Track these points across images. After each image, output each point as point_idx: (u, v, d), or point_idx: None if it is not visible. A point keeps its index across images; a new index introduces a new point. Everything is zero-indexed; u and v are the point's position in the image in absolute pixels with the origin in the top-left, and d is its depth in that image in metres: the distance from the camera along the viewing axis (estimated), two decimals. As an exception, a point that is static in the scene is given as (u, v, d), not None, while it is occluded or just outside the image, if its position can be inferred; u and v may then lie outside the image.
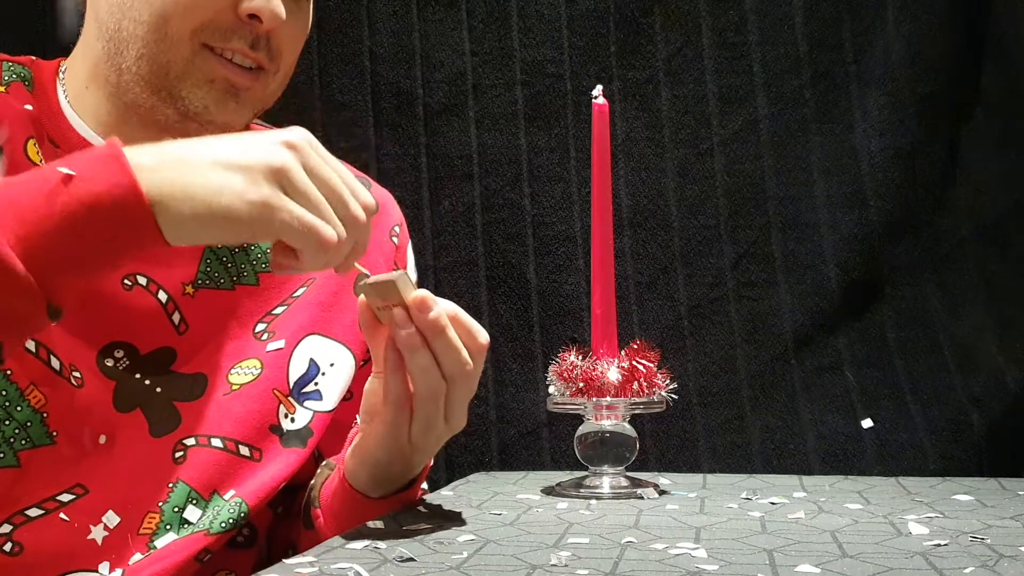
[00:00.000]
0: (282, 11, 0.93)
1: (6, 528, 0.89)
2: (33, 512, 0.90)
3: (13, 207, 0.71)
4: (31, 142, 0.94)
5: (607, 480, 1.07)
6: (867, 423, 1.51)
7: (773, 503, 1.01)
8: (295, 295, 1.03)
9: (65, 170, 0.71)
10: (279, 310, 1.03)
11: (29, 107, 0.95)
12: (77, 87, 0.98)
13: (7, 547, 0.88)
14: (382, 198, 1.11)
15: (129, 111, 0.96)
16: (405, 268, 1.11)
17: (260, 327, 1.02)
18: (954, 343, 1.52)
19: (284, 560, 0.77)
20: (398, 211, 1.14)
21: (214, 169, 0.74)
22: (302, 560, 0.75)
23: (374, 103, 1.58)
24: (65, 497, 0.91)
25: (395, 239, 1.11)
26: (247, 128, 1.01)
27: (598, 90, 1.10)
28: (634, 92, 1.58)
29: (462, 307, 0.89)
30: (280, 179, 0.74)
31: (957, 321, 1.53)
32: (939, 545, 0.80)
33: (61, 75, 1.00)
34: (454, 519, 0.92)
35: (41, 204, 0.71)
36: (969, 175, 1.55)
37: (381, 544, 0.81)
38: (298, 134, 0.77)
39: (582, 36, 1.58)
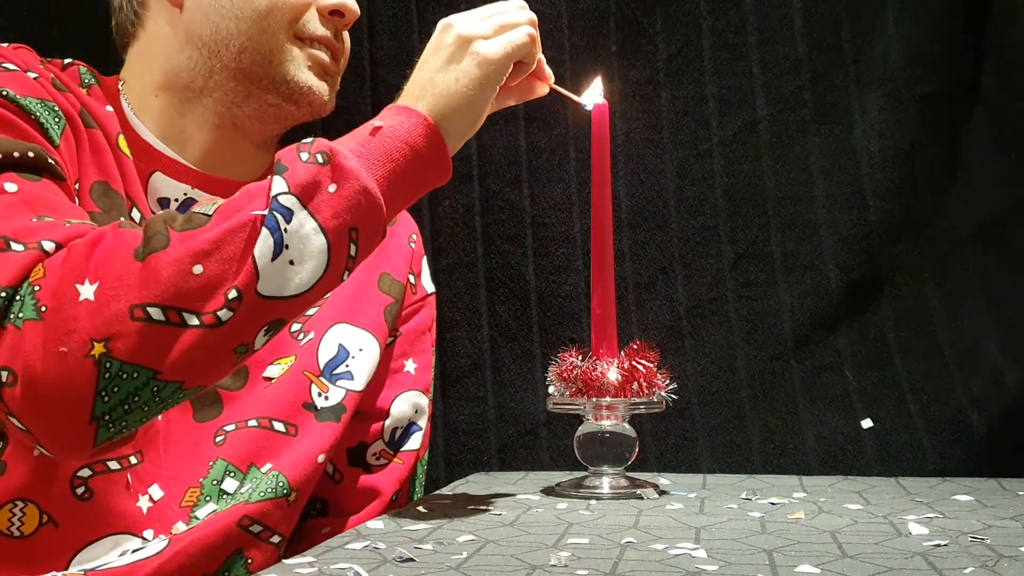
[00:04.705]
0: (357, 8, 1.09)
1: (86, 472, 0.95)
2: (113, 464, 0.97)
3: (365, 155, 0.88)
4: (121, 137, 1.03)
5: (607, 480, 1.07)
6: (867, 423, 1.51)
7: (773, 503, 1.02)
8: (325, 296, 1.09)
9: (378, 122, 0.90)
10: (312, 311, 1.09)
11: (110, 108, 1.04)
12: (141, 96, 1.07)
13: (80, 490, 0.95)
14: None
15: (196, 115, 1.06)
16: (419, 273, 1.20)
17: (296, 327, 1.10)
18: (954, 343, 1.52)
19: (284, 560, 0.77)
20: (413, 223, 1.23)
21: (463, 92, 0.93)
22: (302, 560, 0.76)
23: (374, 107, 1.58)
24: (133, 459, 0.98)
25: (412, 244, 1.20)
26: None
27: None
28: (634, 93, 1.58)
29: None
30: (468, 47, 0.94)
31: (957, 321, 1.53)
32: (939, 545, 0.80)
33: (121, 87, 1.08)
34: (454, 519, 0.93)
35: (380, 151, 0.89)
36: (969, 175, 1.55)
37: (381, 544, 0.81)
38: (443, 21, 0.97)
39: (582, 36, 1.58)
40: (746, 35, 1.56)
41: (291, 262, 0.83)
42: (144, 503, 0.99)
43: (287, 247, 0.83)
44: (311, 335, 1.09)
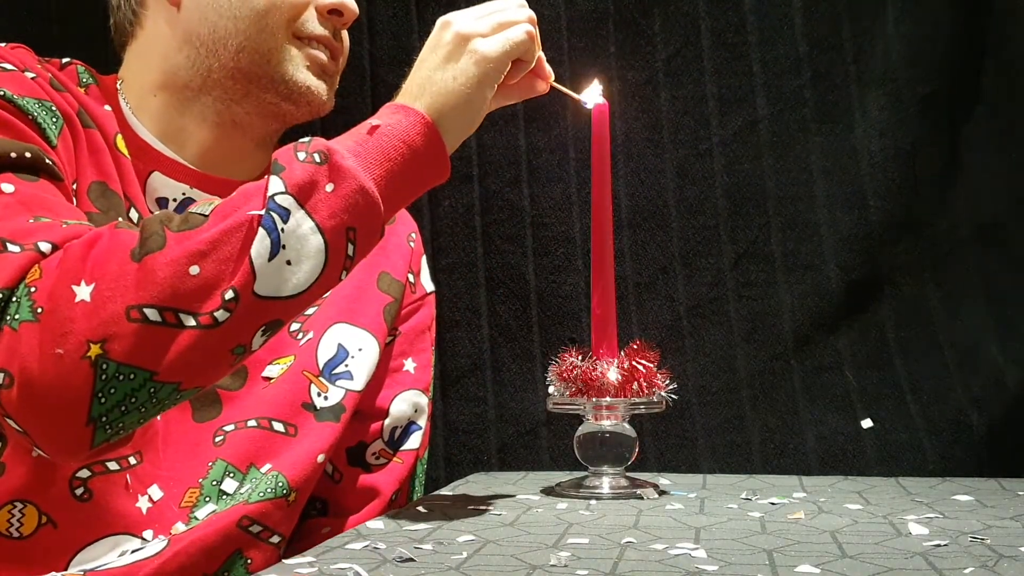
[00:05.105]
0: (356, 7, 1.09)
1: (85, 473, 0.96)
2: (112, 465, 0.97)
3: (363, 154, 0.87)
4: (119, 137, 1.03)
5: (607, 480, 1.07)
6: (867, 423, 1.51)
7: (773, 503, 1.01)
8: (323, 296, 1.10)
9: (375, 121, 0.90)
10: (311, 311, 1.10)
11: (108, 108, 1.04)
12: (140, 96, 1.07)
13: (79, 491, 0.96)
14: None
15: (195, 114, 1.07)
16: (419, 272, 1.20)
17: (295, 327, 1.10)
18: (954, 343, 1.52)
19: (284, 560, 0.77)
20: (412, 222, 1.23)
21: (461, 90, 0.92)
22: (302, 560, 0.76)
23: (374, 107, 1.58)
24: (132, 460, 0.98)
25: (411, 243, 1.20)
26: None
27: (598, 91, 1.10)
28: (634, 93, 1.58)
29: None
30: (466, 45, 0.93)
31: (957, 321, 1.53)
32: (939, 545, 0.80)
33: (119, 87, 1.08)
34: (454, 519, 0.92)
35: (377, 149, 0.88)
36: (969, 175, 1.55)
37: (381, 544, 0.81)
38: (442, 19, 0.95)
39: (582, 37, 1.58)
40: (746, 35, 1.56)
41: (288, 262, 0.83)
42: (143, 503, 0.99)
43: (284, 247, 0.83)
44: (310, 335, 1.09)
